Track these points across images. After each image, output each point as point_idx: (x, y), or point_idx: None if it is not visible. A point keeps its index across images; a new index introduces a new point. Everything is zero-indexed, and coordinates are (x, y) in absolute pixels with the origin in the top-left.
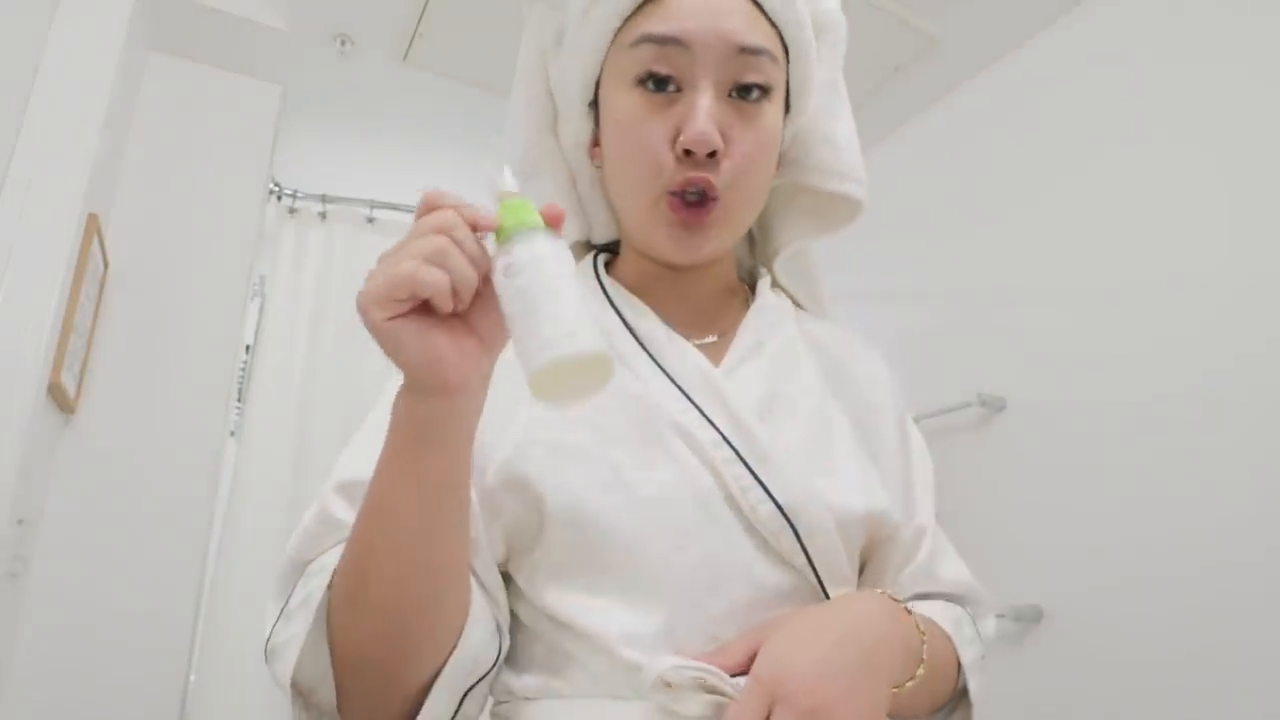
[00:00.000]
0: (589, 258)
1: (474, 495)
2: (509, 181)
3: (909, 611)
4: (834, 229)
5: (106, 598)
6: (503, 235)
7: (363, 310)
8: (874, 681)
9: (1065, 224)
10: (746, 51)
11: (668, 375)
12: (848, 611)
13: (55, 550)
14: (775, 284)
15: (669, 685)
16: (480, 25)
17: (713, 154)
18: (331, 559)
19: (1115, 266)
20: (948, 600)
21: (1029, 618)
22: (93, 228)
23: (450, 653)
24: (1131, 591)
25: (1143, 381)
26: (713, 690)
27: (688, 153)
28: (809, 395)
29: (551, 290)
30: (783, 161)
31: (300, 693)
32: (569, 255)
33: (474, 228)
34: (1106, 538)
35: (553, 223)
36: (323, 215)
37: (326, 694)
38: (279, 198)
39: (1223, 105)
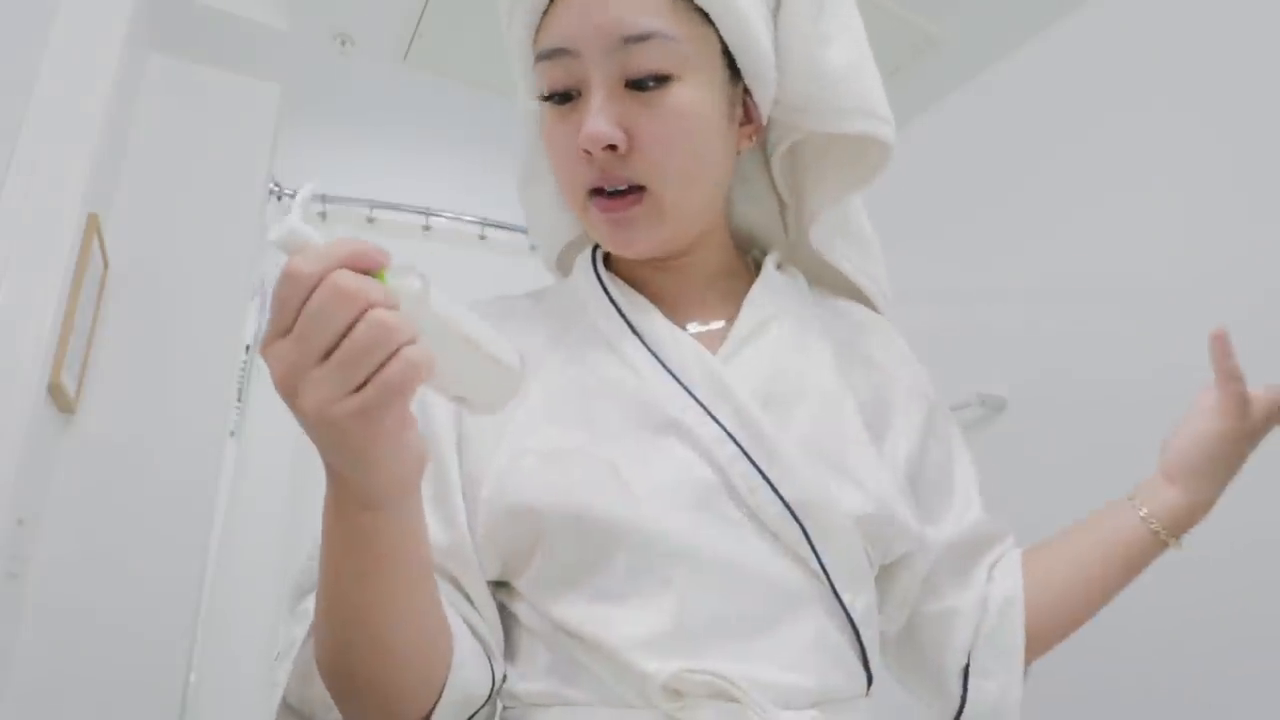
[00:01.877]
0: (587, 252)
1: (464, 518)
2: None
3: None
4: (866, 178)
5: (106, 598)
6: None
7: (364, 419)
8: None
9: (1067, 224)
10: (631, 40)
11: (666, 369)
12: None
13: (55, 550)
14: (783, 264)
15: (679, 693)
16: (480, 25)
17: (614, 148)
18: (311, 604)
19: (1117, 266)
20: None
21: None
22: (93, 228)
23: (439, 695)
24: (1131, 592)
25: (1144, 381)
26: (725, 696)
27: (589, 153)
28: (820, 376)
29: (475, 323)
30: (780, 116)
31: (314, 710)
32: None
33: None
34: None
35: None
36: (323, 215)
37: (308, 696)
38: (279, 198)
39: (1226, 105)
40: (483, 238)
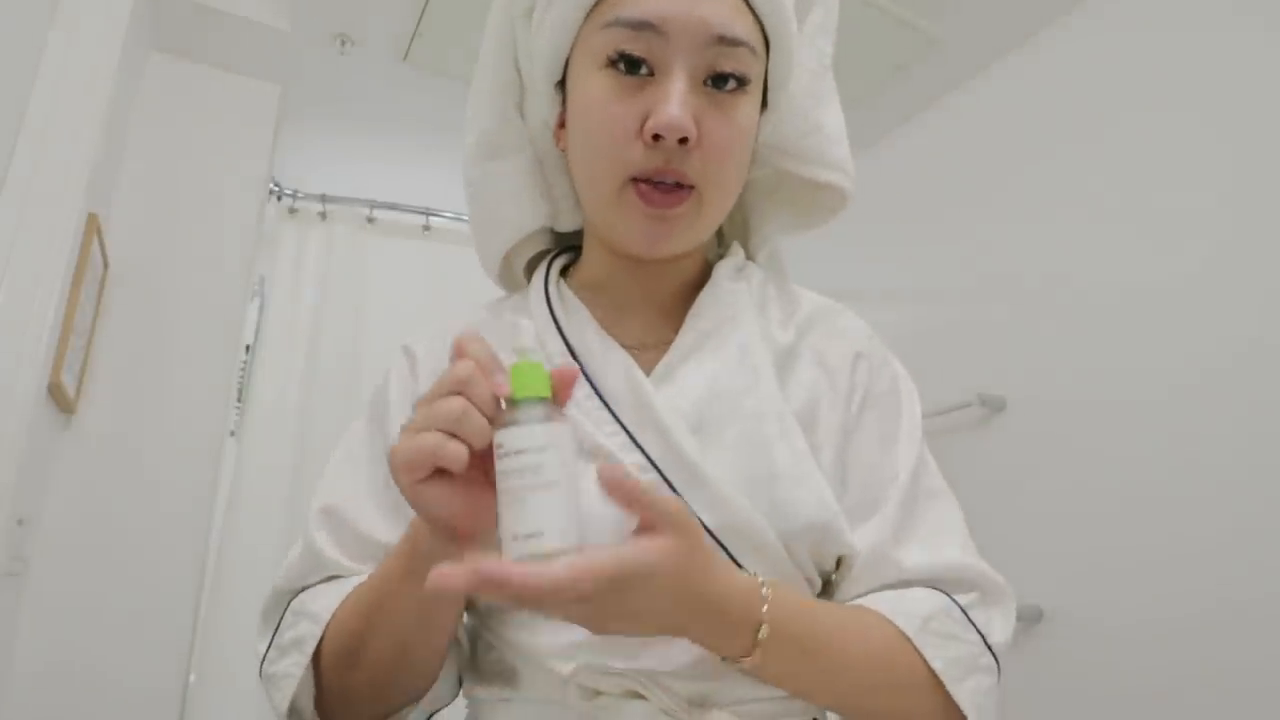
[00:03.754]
0: (544, 264)
1: None
2: (527, 342)
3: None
4: (817, 223)
5: (106, 598)
6: (510, 402)
7: (394, 472)
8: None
9: (1067, 224)
10: (725, 41)
11: (598, 394)
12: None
13: (55, 550)
14: (741, 268)
15: (598, 693)
16: (480, 25)
17: (683, 141)
18: (320, 604)
19: (1116, 266)
20: (932, 588)
21: (1029, 618)
22: (93, 228)
23: (424, 693)
24: (1132, 592)
25: (1143, 381)
26: (638, 695)
27: (656, 138)
28: (759, 390)
29: (528, 484)
30: (763, 152)
31: (291, 709)
32: (565, 434)
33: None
34: (1106, 538)
35: (562, 387)
36: (323, 215)
37: (306, 703)
38: (279, 198)
39: (1226, 105)
40: None
